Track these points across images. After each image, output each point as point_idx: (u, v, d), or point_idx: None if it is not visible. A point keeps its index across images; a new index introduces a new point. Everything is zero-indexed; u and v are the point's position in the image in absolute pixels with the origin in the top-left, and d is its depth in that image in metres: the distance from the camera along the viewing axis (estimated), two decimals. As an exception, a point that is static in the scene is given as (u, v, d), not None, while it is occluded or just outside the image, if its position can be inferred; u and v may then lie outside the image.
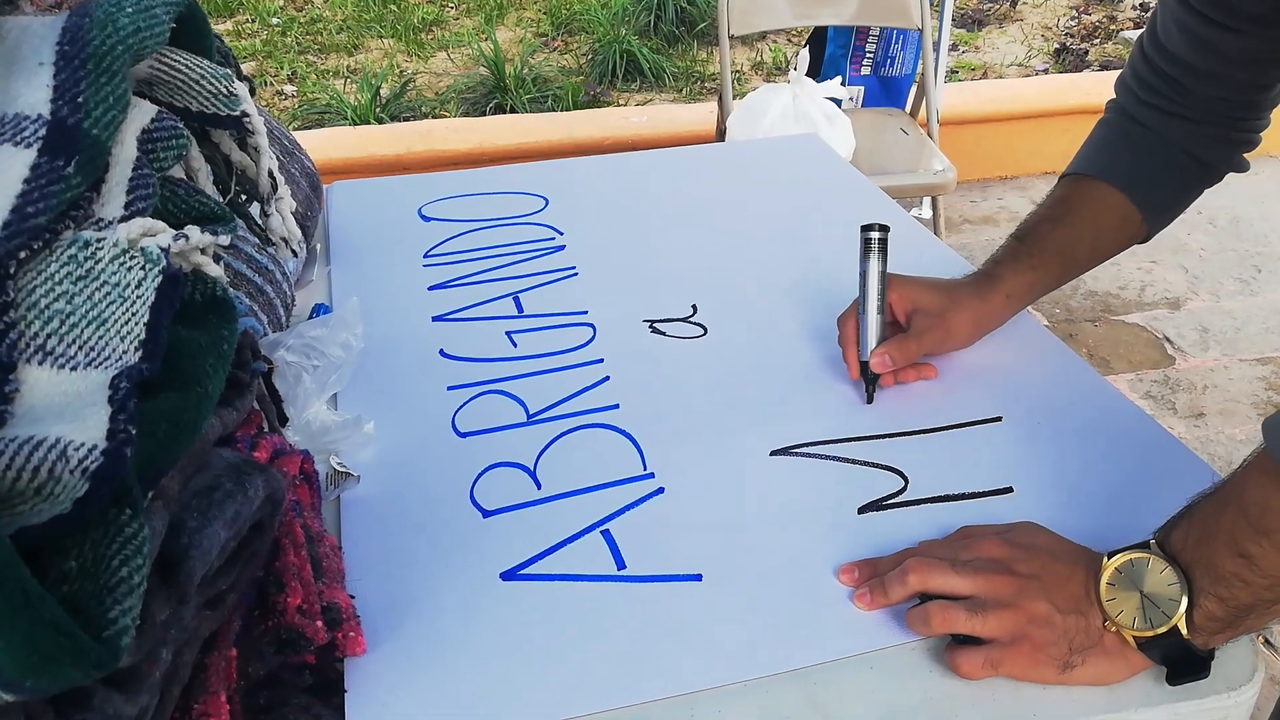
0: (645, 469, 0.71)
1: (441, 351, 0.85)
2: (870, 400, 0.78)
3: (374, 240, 1.03)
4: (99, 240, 0.40)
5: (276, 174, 0.61)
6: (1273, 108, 0.80)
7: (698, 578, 0.62)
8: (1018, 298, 0.83)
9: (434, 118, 3.32)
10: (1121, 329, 2.31)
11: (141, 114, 0.48)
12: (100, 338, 0.38)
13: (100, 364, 0.37)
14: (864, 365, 0.78)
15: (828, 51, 2.45)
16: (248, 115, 0.56)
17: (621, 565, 0.63)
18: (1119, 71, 0.86)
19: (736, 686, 0.55)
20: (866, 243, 0.78)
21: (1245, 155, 0.83)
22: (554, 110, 3.33)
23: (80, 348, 0.37)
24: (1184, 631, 0.53)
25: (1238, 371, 2.15)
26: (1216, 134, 0.80)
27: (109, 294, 0.39)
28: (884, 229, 0.78)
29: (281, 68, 3.83)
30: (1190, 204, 0.85)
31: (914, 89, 2.47)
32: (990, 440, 0.74)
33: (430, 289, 0.95)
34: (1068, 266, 0.83)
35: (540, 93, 3.46)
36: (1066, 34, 4.04)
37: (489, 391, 0.80)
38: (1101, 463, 0.71)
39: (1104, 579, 0.56)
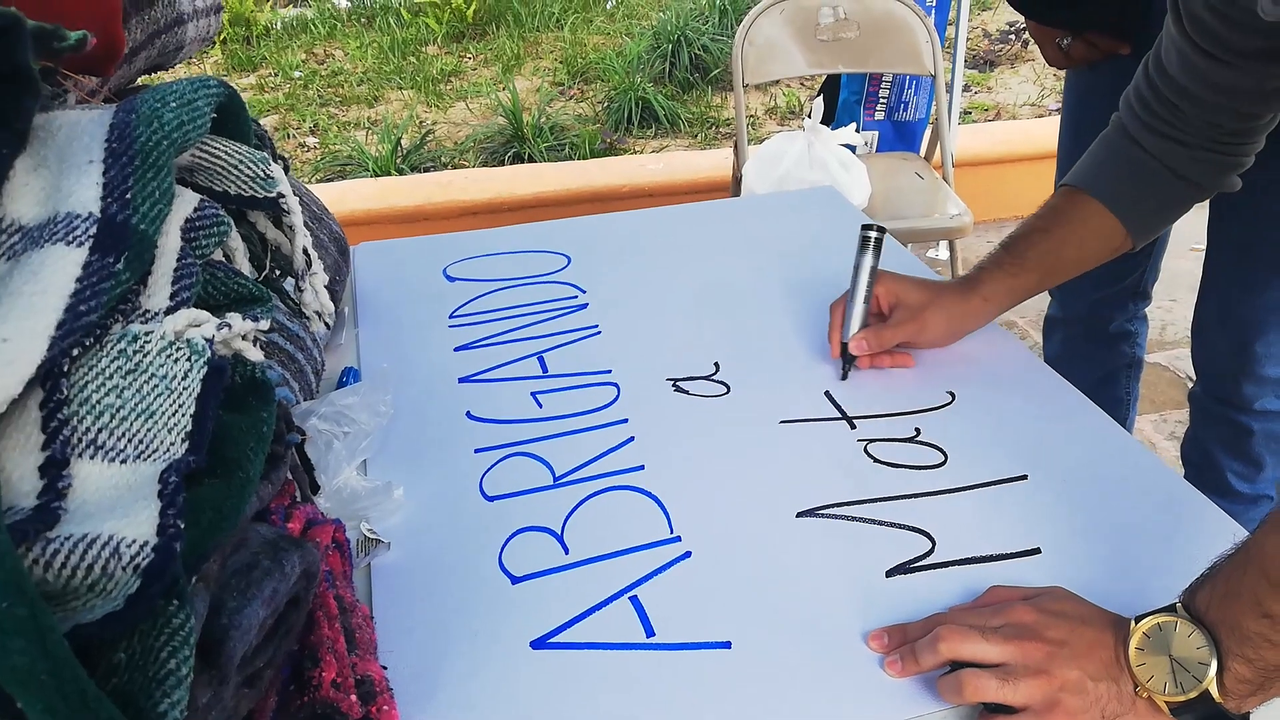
0: (672, 532, 0.72)
1: (468, 413, 0.86)
2: (844, 377, 0.88)
3: (400, 301, 1.05)
4: (146, 334, 0.41)
5: (310, 250, 0.63)
6: (1265, 132, 0.84)
7: (727, 645, 0.62)
8: (996, 300, 0.90)
9: (453, 167, 3.37)
10: (1144, 369, 2.29)
11: (185, 203, 0.49)
12: (149, 430, 0.39)
13: (149, 456, 0.38)
14: (844, 346, 0.88)
15: (841, 98, 2.48)
16: (283, 196, 0.58)
17: (650, 633, 0.63)
18: None
19: (768, 757, 0.55)
20: (864, 239, 0.88)
21: (1236, 175, 0.87)
22: (571, 158, 3.37)
23: (130, 440, 0.38)
24: (1215, 695, 0.53)
25: (1263, 411, 2.12)
26: (1207, 157, 0.85)
27: (156, 386, 0.40)
28: (881, 229, 0.89)
29: (304, 120, 3.90)
30: (1177, 218, 0.91)
31: (928, 132, 2.48)
32: (1016, 499, 0.74)
33: (456, 350, 0.96)
34: (1049, 273, 0.90)
35: (557, 140, 3.51)
36: (1078, 73, 4.06)
37: (516, 454, 0.80)
38: (1129, 520, 0.71)
39: (1133, 644, 0.56)
